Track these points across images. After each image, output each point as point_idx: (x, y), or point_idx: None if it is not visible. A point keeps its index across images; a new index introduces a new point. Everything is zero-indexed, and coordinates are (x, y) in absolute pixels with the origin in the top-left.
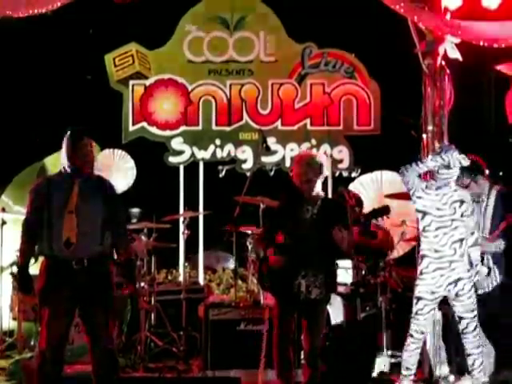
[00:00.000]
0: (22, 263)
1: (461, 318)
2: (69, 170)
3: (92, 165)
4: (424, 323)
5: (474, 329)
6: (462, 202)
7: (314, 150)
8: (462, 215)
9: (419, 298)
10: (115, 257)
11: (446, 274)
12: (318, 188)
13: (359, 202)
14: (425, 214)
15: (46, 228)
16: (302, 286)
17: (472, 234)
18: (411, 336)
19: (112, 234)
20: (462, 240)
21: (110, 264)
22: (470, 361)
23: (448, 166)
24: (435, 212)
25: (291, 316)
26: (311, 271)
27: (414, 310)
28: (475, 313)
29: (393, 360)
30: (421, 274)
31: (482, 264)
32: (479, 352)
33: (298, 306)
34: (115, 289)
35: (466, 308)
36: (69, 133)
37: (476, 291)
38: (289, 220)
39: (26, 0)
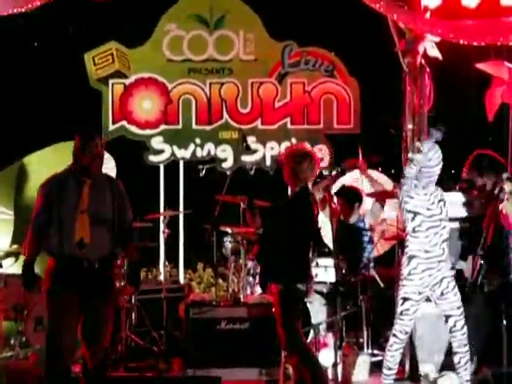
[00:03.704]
0: (29, 259)
1: (448, 317)
2: (78, 169)
3: (101, 164)
4: (409, 323)
5: (462, 327)
6: (444, 201)
7: None
8: (446, 214)
9: (406, 299)
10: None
11: (434, 273)
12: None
13: (355, 196)
14: (415, 214)
15: (56, 227)
16: None
17: None
18: (395, 336)
19: (120, 233)
20: (447, 239)
21: (114, 264)
22: (456, 359)
23: (431, 164)
24: (425, 212)
25: None
26: None
27: (399, 310)
28: (462, 310)
29: (373, 359)
30: (409, 274)
31: None
32: (466, 350)
33: None
34: None
35: (452, 306)
36: (80, 133)
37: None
38: None
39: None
